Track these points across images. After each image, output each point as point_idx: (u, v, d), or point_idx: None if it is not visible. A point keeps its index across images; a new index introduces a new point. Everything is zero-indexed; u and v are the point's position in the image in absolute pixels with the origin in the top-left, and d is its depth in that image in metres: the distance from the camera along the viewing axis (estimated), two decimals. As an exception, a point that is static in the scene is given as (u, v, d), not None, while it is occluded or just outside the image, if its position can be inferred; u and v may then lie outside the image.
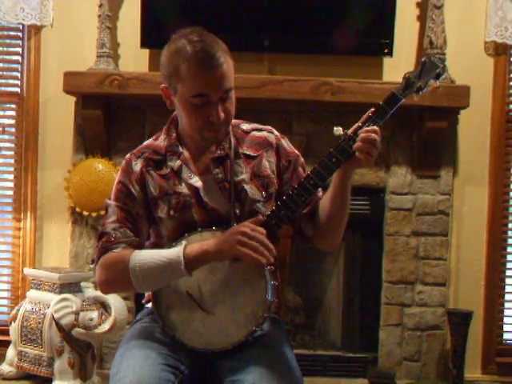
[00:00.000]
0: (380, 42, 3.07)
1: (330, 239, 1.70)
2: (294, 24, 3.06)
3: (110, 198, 1.66)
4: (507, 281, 3.31)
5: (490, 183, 3.25)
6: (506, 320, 3.32)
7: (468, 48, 3.19)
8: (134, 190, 1.63)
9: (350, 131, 1.51)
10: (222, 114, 1.55)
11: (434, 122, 3.02)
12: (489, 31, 3.15)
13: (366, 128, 1.49)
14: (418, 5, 3.18)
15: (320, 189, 1.62)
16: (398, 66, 3.14)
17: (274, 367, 1.48)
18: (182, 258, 1.50)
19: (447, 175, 3.17)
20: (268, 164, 1.68)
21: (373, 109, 1.52)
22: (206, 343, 1.53)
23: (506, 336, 3.34)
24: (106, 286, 1.64)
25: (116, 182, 1.67)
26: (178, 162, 1.64)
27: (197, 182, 1.63)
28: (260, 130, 1.73)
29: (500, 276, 3.29)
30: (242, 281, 1.53)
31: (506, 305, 3.32)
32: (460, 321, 3.11)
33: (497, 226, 3.26)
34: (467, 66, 3.15)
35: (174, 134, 1.67)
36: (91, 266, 2.98)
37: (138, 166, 1.65)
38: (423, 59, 1.57)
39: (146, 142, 1.72)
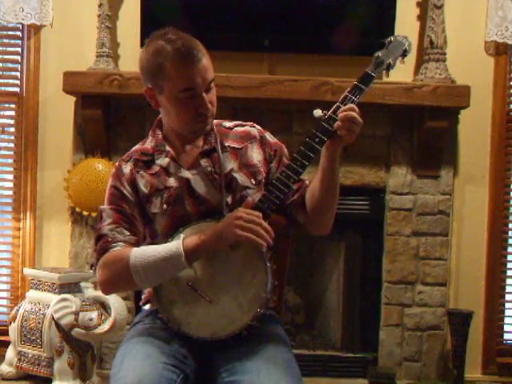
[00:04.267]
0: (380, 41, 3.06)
1: (321, 223, 1.72)
2: (293, 24, 3.05)
3: (103, 205, 1.70)
4: (508, 281, 3.31)
5: (491, 183, 3.24)
6: (506, 320, 3.32)
7: (468, 48, 3.19)
8: (126, 192, 1.67)
9: (329, 112, 1.56)
10: (209, 105, 1.61)
11: (434, 121, 3.02)
12: (489, 31, 3.14)
13: (344, 107, 1.54)
14: (419, 4, 3.18)
15: (307, 178, 1.69)
16: (398, 66, 3.11)
17: (274, 367, 1.47)
18: (182, 250, 1.51)
19: (447, 175, 3.16)
20: (254, 154, 1.72)
21: (349, 88, 1.59)
22: (212, 332, 1.53)
23: (506, 336, 3.34)
24: (108, 286, 1.65)
25: (108, 187, 1.71)
26: (167, 160, 1.68)
27: (186, 174, 1.67)
28: (242, 125, 1.79)
29: (500, 276, 3.28)
30: (241, 266, 1.54)
31: (507, 305, 3.31)
32: (460, 321, 3.10)
33: (497, 226, 3.26)
34: (467, 65, 3.15)
35: (160, 135, 1.72)
36: (91, 271, 2.98)
37: (127, 168, 1.69)
38: (389, 38, 1.70)
39: (133, 148, 1.77)
